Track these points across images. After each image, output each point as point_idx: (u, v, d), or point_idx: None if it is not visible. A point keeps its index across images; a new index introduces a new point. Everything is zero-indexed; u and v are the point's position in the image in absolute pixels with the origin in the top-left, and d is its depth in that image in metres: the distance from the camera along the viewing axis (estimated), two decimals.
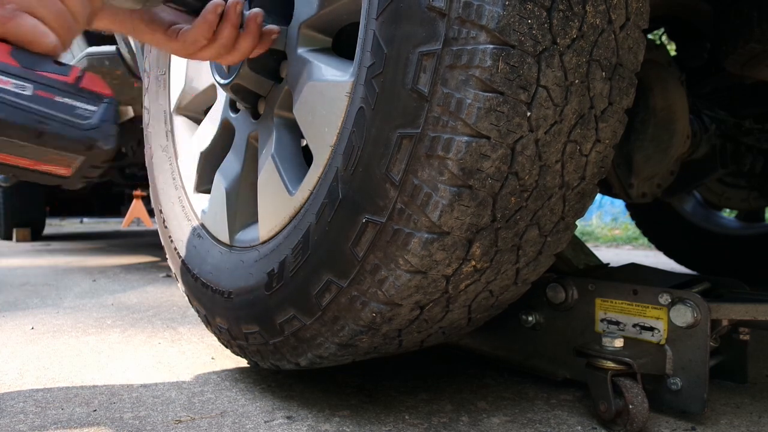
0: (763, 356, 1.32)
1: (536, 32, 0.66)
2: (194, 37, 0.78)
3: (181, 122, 1.29)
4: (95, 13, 0.66)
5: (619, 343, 0.91)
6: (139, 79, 1.85)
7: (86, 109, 0.60)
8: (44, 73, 0.59)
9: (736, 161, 1.78)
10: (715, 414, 0.96)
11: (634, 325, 0.95)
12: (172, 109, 1.29)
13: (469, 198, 0.68)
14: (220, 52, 0.80)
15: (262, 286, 0.90)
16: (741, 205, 2.24)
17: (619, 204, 5.98)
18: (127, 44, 1.80)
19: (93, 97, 0.61)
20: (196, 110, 1.27)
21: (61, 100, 0.59)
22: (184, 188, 1.23)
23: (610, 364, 0.89)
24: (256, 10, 0.82)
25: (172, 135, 1.28)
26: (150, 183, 1.35)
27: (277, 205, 0.91)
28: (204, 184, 1.19)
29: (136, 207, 6.89)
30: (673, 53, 1.66)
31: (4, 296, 2.03)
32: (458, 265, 0.74)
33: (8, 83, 0.57)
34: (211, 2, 0.77)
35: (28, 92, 0.57)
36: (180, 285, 1.19)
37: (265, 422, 0.89)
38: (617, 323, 0.98)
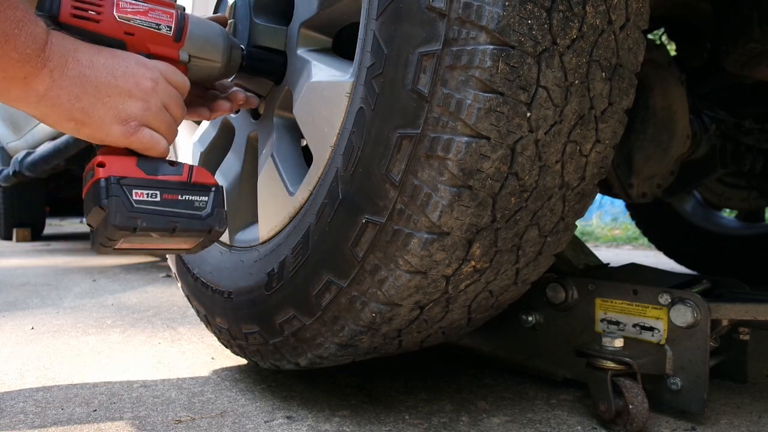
0: (763, 356, 1.32)
1: (536, 33, 0.66)
2: (199, 113, 0.87)
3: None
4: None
5: (619, 343, 0.91)
6: None
7: (201, 201, 0.71)
8: (165, 177, 0.69)
9: (736, 161, 1.78)
10: (715, 414, 0.96)
11: (634, 325, 0.96)
12: None
13: (469, 198, 0.69)
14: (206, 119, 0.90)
15: (262, 286, 0.90)
16: (741, 205, 2.24)
17: (619, 204, 5.98)
18: None
19: (203, 189, 0.71)
20: None
21: (183, 198, 0.70)
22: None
23: (610, 364, 0.89)
24: (246, 97, 0.90)
25: None
26: None
27: (277, 205, 0.91)
28: None
29: None
30: (673, 53, 1.66)
31: (4, 296, 2.03)
32: (458, 265, 0.74)
33: (142, 195, 0.67)
34: (224, 108, 0.87)
35: (158, 198, 0.68)
36: (180, 285, 1.19)
37: (265, 422, 0.89)
38: (617, 323, 0.98)
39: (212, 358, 1.24)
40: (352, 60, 0.79)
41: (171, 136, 0.72)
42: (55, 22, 0.66)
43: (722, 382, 1.11)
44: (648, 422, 0.88)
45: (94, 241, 0.71)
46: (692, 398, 0.90)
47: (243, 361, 1.21)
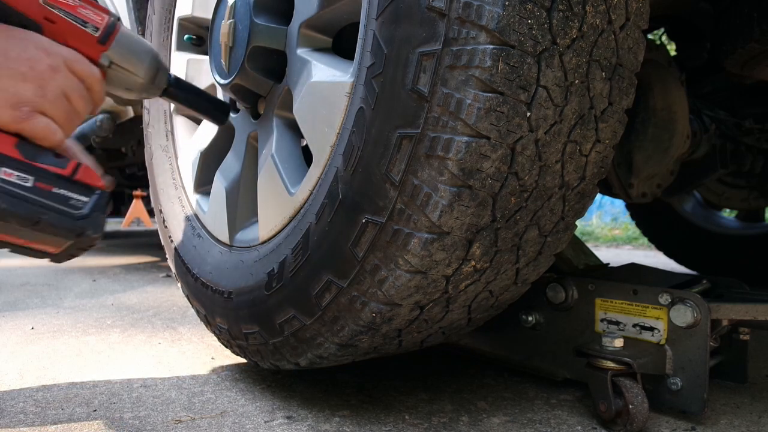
0: (763, 356, 1.32)
1: (536, 32, 0.66)
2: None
3: (181, 122, 1.29)
4: (96, 107, 0.73)
5: (619, 343, 0.91)
6: None
7: (79, 200, 0.66)
8: (44, 166, 0.64)
9: (736, 161, 1.78)
10: (715, 414, 0.96)
11: (634, 325, 0.95)
12: (172, 109, 1.29)
13: (468, 198, 0.69)
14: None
15: (262, 286, 0.90)
16: (741, 205, 2.24)
17: (619, 204, 5.98)
18: None
19: (86, 189, 0.66)
20: None
21: (57, 192, 0.64)
22: (184, 188, 1.23)
23: (610, 364, 0.89)
24: None
25: (172, 135, 1.28)
26: (150, 183, 1.35)
27: (277, 205, 0.91)
28: (204, 184, 1.19)
29: (136, 207, 6.88)
30: (673, 53, 1.66)
31: (4, 296, 2.03)
32: (458, 265, 0.74)
33: (12, 175, 0.61)
34: None
35: (29, 183, 0.62)
36: (180, 285, 1.19)
37: (265, 422, 0.89)
38: (617, 323, 0.98)
39: (212, 358, 1.24)
40: (352, 60, 0.79)
41: (69, 128, 0.68)
42: None
43: (722, 382, 1.11)
44: (648, 422, 0.88)
45: None
46: (692, 398, 0.90)
47: (243, 361, 1.21)
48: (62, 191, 0.65)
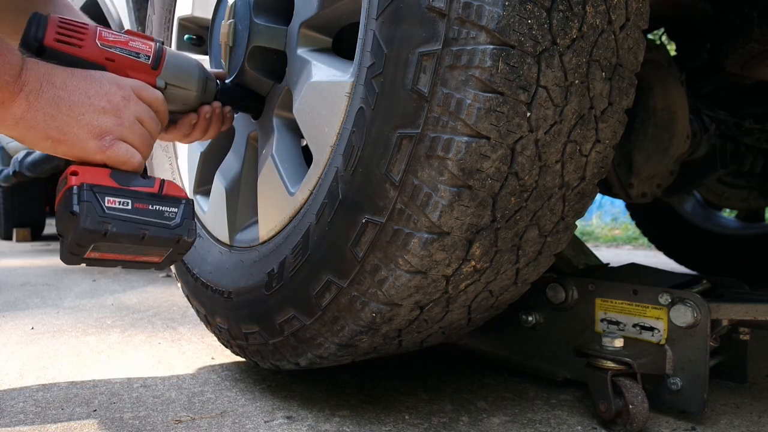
0: (763, 356, 1.32)
1: (536, 32, 0.66)
2: (171, 137, 0.92)
3: None
4: (163, 127, 0.81)
5: (619, 343, 0.91)
6: None
7: (171, 212, 0.74)
8: (137, 188, 0.73)
9: (736, 161, 1.78)
10: (715, 414, 0.96)
11: (634, 325, 0.95)
12: None
13: (468, 198, 0.68)
14: (188, 139, 0.94)
15: (262, 286, 0.90)
16: (741, 205, 2.24)
17: (619, 204, 5.98)
18: None
19: (174, 201, 0.75)
20: None
21: (153, 208, 0.73)
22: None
23: (610, 364, 0.89)
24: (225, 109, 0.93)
25: None
26: None
27: (277, 205, 0.91)
28: (204, 184, 1.19)
29: None
30: (673, 53, 1.66)
31: (4, 296, 2.03)
32: (458, 265, 0.74)
33: (114, 202, 0.70)
34: (186, 121, 0.90)
35: (129, 206, 0.71)
36: (180, 285, 1.19)
37: (265, 422, 0.89)
38: (617, 323, 0.98)
39: (212, 358, 1.24)
40: (352, 60, 0.79)
41: (146, 150, 0.76)
42: (39, 45, 0.71)
43: (722, 382, 1.11)
44: (648, 422, 0.88)
45: (63, 251, 0.73)
46: (692, 398, 0.90)
47: (243, 361, 1.21)
48: (156, 207, 0.73)
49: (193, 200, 0.79)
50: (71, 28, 0.73)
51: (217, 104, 0.91)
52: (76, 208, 0.68)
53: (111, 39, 0.76)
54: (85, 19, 0.92)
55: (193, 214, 0.77)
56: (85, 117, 0.70)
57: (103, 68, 0.74)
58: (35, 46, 0.70)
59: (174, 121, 0.89)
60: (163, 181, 0.75)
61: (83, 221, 0.67)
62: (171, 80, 0.82)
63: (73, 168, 0.71)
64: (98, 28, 0.76)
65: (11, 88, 0.65)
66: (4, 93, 0.65)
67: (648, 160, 1.40)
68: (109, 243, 0.70)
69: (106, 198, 0.70)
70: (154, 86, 0.80)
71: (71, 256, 0.72)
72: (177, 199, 0.75)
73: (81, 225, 0.67)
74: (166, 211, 0.74)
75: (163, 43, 0.82)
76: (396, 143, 0.70)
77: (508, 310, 0.96)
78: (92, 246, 0.70)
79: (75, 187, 0.69)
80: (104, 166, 0.72)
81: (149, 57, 0.79)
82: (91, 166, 0.72)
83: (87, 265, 0.76)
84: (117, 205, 0.70)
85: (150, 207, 0.73)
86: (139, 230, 0.71)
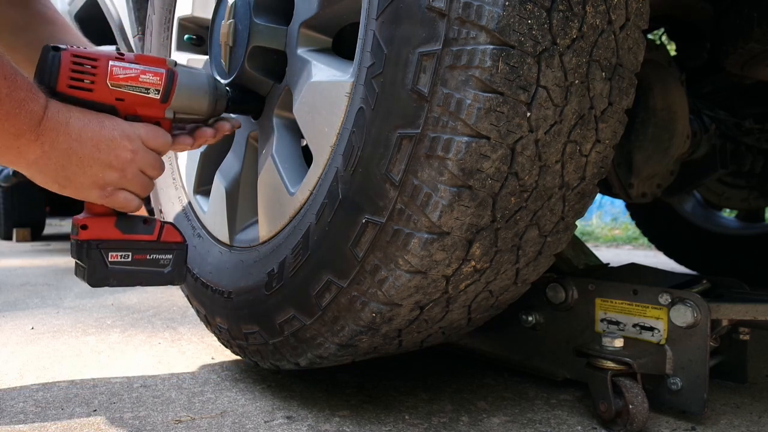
0: (763, 356, 1.32)
1: (536, 33, 0.66)
2: (182, 146, 0.91)
3: None
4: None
5: (619, 343, 0.91)
6: None
7: (165, 259, 0.82)
8: (138, 237, 0.81)
9: (736, 161, 1.78)
10: (715, 414, 0.96)
11: (634, 325, 0.95)
12: None
13: (469, 198, 0.68)
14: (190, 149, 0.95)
15: (262, 286, 0.90)
16: (741, 205, 2.24)
17: (619, 204, 5.97)
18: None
19: (169, 248, 0.82)
20: None
21: (150, 257, 0.81)
22: (184, 188, 1.23)
23: (610, 364, 0.89)
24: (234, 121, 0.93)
25: None
26: None
27: (277, 205, 0.91)
28: (204, 184, 1.19)
29: None
30: (673, 53, 1.66)
31: (4, 296, 2.03)
32: (458, 265, 0.74)
33: (117, 257, 0.79)
34: (206, 134, 0.90)
35: (129, 258, 0.79)
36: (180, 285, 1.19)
37: (265, 422, 0.89)
38: (617, 323, 0.98)
39: (212, 358, 1.24)
40: (352, 60, 0.79)
41: (145, 193, 0.81)
42: (53, 91, 0.72)
43: (722, 382, 1.11)
44: (648, 422, 0.88)
45: (84, 278, 0.81)
46: (692, 398, 0.90)
47: (243, 361, 1.21)
48: (153, 256, 0.81)
49: (187, 245, 0.85)
50: (84, 69, 0.74)
51: (236, 122, 0.92)
52: (85, 261, 0.78)
53: (122, 77, 0.76)
54: (83, 39, 0.93)
55: (185, 259, 0.84)
56: (92, 169, 0.74)
57: (113, 108, 0.77)
58: (48, 92, 0.72)
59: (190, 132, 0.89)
60: (162, 226, 0.82)
61: (90, 277, 0.77)
62: (180, 108, 0.82)
63: (83, 221, 0.79)
64: (109, 63, 0.75)
65: (28, 136, 0.68)
66: (21, 140, 0.68)
67: (648, 160, 1.40)
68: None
69: (110, 254, 0.78)
70: (163, 118, 0.81)
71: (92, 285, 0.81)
72: (171, 246, 0.82)
73: (88, 280, 0.77)
74: (161, 258, 0.82)
75: (175, 65, 0.81)
76: (396, 143, 0.70)
77: (508, 310, 0.96)
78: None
79: (84, 243, 0.78)
80: (111, 214, 0.80)
81: (159, 91, 0.79)
82: (99, 217, 0.79)
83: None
84: (119, 259, 0.79)
85: (147, 257, 0.81)
86: (136, 279, 0.80)
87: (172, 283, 0.84)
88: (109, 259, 0.78)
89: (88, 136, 0.73)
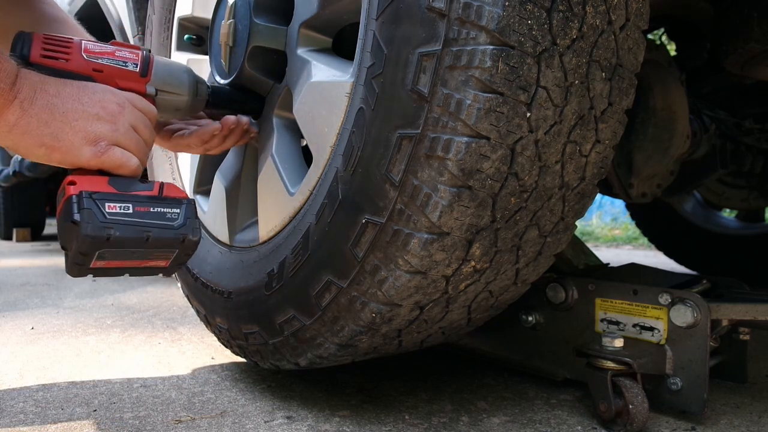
0: (763, 356, 1.32)
1: (536, 33, 0.66)
2: (188, 143, 0.92)
3: None
4: (156, 135, 0.82)
5: (619, 343, 0.91)
6: None
7: (173, 212, 0.74)
8: (137, 192, 0.72)
9: (736, 161, 1.78)
10: (715, 414, 0.96)
11: (634, 325, 0.96)
12: None
13: (468, 198, 0.69)
14: (204, 147, 0.94)
15: (262, 287, 0.90)
16: (741, 205, 2.24)
17: (619, 204, 5.97)
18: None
19: (175, 202, 0.74)
20: None
21: (154, 210, 0.72)
22: (184, 188, 1.23)
23: (610, 364, 0.89)
24: (245, 122, 0.94)
25: None
26: None
27: (277, 205, 0.92)
28: (204, 184, 1.19)
29: None
30: (673, 53, 1.66)
31: (4, 296, 2.03)
32: (458, 265, 0.74)
33: (115, 207, 0.69)
34: (209, 129, 0.91)
35: (130, 210, 0.70)
36: (180, 285, 1.19)
37: (265, 422, 0.89)
38: (617, 323, 0.98)
39: (212, 358, 1.24)
40: (352, 60, 0.79)
41: (142, 155, 0.75)
42: (26, 62, 0.70)
43: (722, 382, 1.11)
44: (648, 422, 0.88)
45: (68, 263, 0.72)
46: (692, 398, 0.90)
47: (243, 361, 1.21)
48: (158, 209, 0.73)
49: (194, 200, 0.78)
50: (56, 42, 0.73)
51: (245, 119, 0.92)
52: (76, 216, 0.67)
53: (97, 50, 0.75)
54: (82, 31, 0.93)
55: (196, 213, 0.75)
56: (79, 123, 0.69)
57: (92, 79, 0.74)
58: (22, 64, 0.69)
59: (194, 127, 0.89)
60: (162, 183, 0.75)
61: (85, 228, 0.66)
62: (161, 86, 0.81)
63: (70, 178, 0.70)
64: (83, 41, 0.75)
65: (6, 95, 0.65)
66: None
67: (648, 160, 1.40)
68: (113, 249, 0.69)
69: (107, 204, 0.69)
70: (145, 93, 0.79)
71: (76, 266, 0.71)
72: (178, 200, 0.74)
73: (83, 232, 0.66)
74: (168, 212, 0.73)
75: (149, 51, 0.81)
76: (396, 143, 0.70)
77: (508, 310, 0.96)
78: (97, 254, 0.69)
79: (74, 196, 0.68)
80: (101, 173, 0.72)
81: (137, 65, 0.78)
82: (89, 175, 0.71)
83: (94, 276, 0.76)
84: (118, 210, 0.69)
85: (151, 209, 0.72)
86: (143, 233, 0.70)
87: (186, 240, 0.73)
88: (107, 209, 0.68)
89: (68, 93, 0.70)
